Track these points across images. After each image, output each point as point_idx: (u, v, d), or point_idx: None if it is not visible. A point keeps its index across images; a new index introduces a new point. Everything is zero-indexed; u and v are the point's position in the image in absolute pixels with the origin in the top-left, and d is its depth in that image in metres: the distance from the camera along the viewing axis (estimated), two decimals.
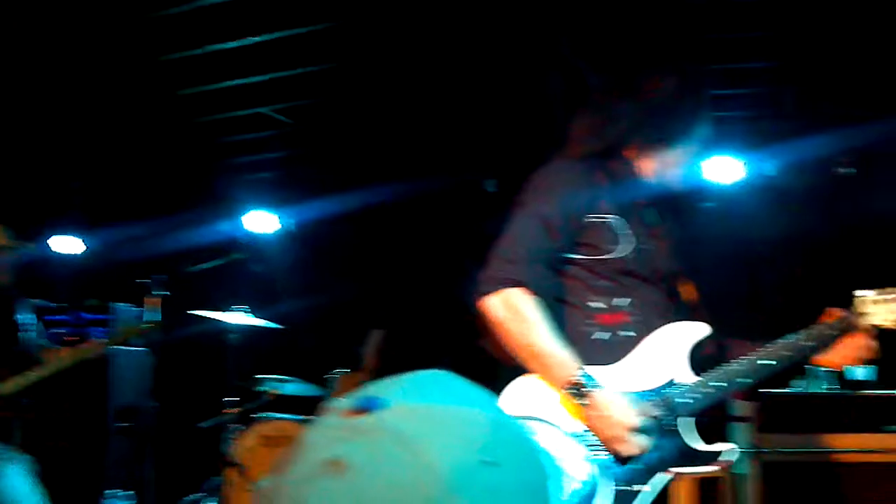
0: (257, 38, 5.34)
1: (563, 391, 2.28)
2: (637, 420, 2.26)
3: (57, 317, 6.14)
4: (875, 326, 2.49)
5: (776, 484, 4.79)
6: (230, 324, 5.32)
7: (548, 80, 5.33)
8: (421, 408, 0.78)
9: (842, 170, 5.89)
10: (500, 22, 5.08)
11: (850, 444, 4.85)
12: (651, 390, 2.36)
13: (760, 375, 2.44)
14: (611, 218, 2.44)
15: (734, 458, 2.37)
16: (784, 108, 5.98)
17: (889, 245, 5.97)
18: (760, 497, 4.76)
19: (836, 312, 2.53)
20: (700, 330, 2.45)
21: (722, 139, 6.23)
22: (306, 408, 5.39)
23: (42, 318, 5.82)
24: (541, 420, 2.31)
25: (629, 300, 2.44)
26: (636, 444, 2.26)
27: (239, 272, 6.11)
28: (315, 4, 5.05)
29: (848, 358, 2.52)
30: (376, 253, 6.91)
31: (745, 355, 2.44)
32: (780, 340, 2.47)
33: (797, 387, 5.05)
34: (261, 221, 7.00)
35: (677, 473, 2.33)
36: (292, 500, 0.73)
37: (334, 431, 0.76)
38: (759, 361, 2.43)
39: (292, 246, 7.10)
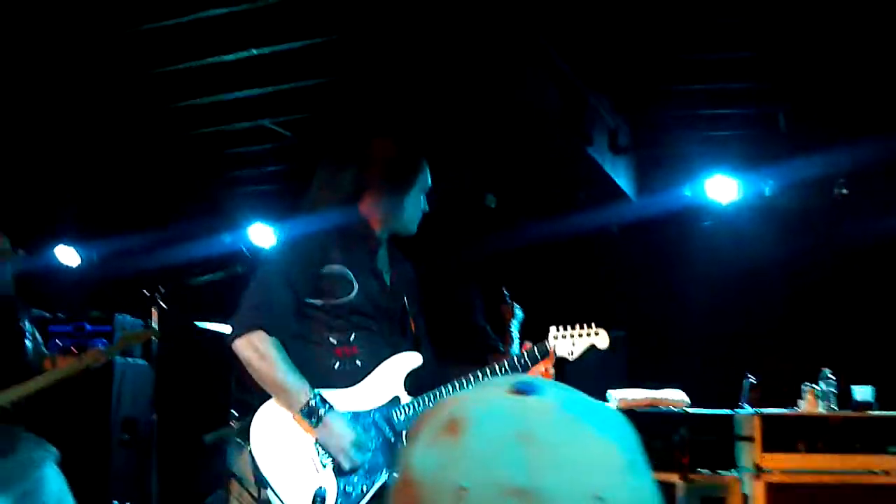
0: (257, 51, 5.37)
1: (299, 414, 2.81)
2: (353, 436, 2.83)
3: (60, 327, 6.16)
4: (557, 357, 3.05)
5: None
6: None
7: None
8: (573, 396, 0.83)
9: (837, 190, 5.98)
10: (496, 37, 5.13)
11: (854, 465, 4.93)
12: (377, 408, 2.96)
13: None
14: (340, 268, 2.95)
15: None
16: (777, 127, 6.05)
17: (884, 265, 6.08)
18: None
19: (528, 345, 3.09)
20: (414, 359, 3.04)
21: (718, 159, 6.33)
22: None
23: (45, 328, 5.84)
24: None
25: (357, 334, 2.97)
26: (353, 456, 2.82)
27: (241, 285, 6.11)
28: (315, 17, 5.08)
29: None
30: None
31: (455, 379, 2.98)
32: (486, 369, 3.03)
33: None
34: (264, 234, 7.03)
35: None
36: (480, 467, 0.75)
37: (510, 407, 0.80)
38: (462, 388, 2.94)
39: None
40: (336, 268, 2.94)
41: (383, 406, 2.96)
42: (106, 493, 5.69)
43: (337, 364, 2.94)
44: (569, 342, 3.07)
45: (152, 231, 7.04)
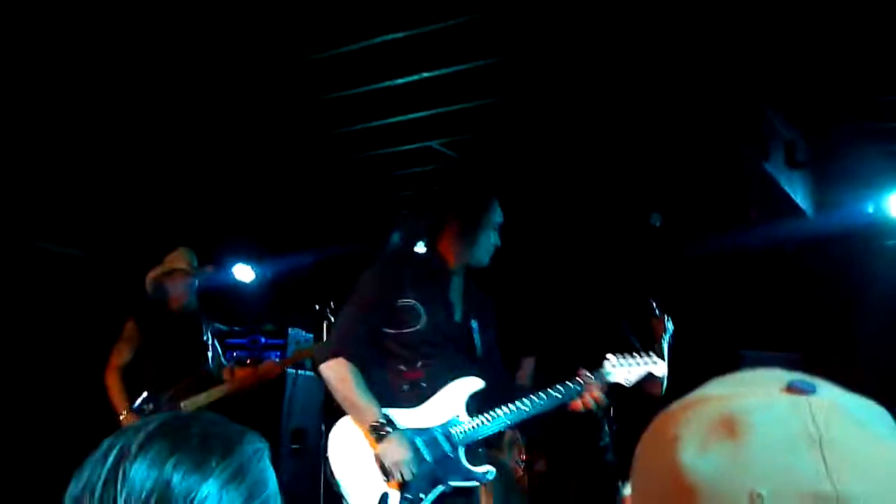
0: (428, 74, 5.46)
1: (367, 430, 3.27)
2: (408, 455, 3.22)
3: (237, 340, 6.45)
4: (613, 384, 3.39)
5: None
6: None
7: None
8: (850, 396, 0.79)
9: None
10: (660, 57, 5.03)
11: None
12: (438, 426, 3.37)
13: (519, 418, 3.38)
14: (411, 302, 3.41)
15: (491, 477, 3.38)
16: None
17: None
18: None
19: (583, 372, 3.40)
20: (476, 383, 3.46)
21: None
22: None
23: (223, 341, 6.13)
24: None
25: (424, 361, 3.42)
26: (403, 472, 3.20)
27: None
28: (480, 41, 5.12)
29: (586, 404, 3.38)
30: (537, 284, 6.91)
31: (512, 402, 3.37)
32: (541, 392, 3.37)
33: None
34: None
35: (453, 486, 3.32)
36: (775, 472, 0.72)
37: (793, 407, 0.75)
38: (517, 408, 3.38)
39: None
40: (408, 301, 3.41)
41: (443, 424, 3.38)
42: None
43: (405, 386, 3.40)
44: (625, 370, 3.43)
45: (323, 249, 7.27)
